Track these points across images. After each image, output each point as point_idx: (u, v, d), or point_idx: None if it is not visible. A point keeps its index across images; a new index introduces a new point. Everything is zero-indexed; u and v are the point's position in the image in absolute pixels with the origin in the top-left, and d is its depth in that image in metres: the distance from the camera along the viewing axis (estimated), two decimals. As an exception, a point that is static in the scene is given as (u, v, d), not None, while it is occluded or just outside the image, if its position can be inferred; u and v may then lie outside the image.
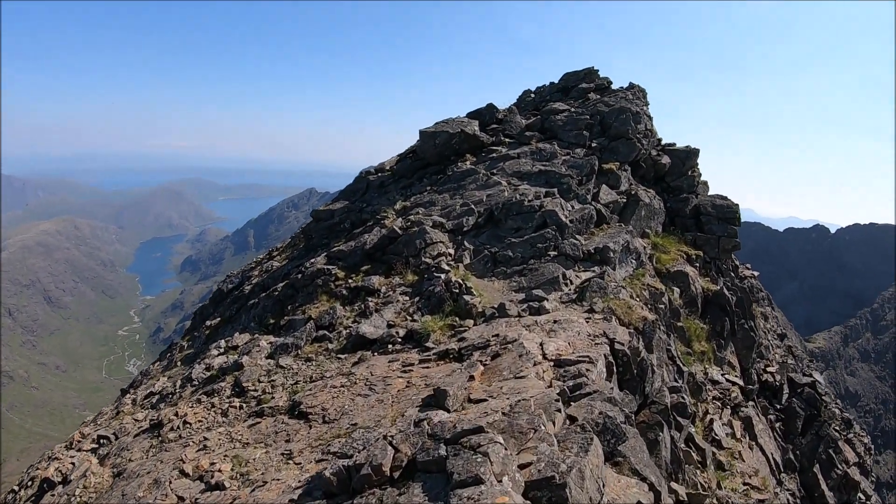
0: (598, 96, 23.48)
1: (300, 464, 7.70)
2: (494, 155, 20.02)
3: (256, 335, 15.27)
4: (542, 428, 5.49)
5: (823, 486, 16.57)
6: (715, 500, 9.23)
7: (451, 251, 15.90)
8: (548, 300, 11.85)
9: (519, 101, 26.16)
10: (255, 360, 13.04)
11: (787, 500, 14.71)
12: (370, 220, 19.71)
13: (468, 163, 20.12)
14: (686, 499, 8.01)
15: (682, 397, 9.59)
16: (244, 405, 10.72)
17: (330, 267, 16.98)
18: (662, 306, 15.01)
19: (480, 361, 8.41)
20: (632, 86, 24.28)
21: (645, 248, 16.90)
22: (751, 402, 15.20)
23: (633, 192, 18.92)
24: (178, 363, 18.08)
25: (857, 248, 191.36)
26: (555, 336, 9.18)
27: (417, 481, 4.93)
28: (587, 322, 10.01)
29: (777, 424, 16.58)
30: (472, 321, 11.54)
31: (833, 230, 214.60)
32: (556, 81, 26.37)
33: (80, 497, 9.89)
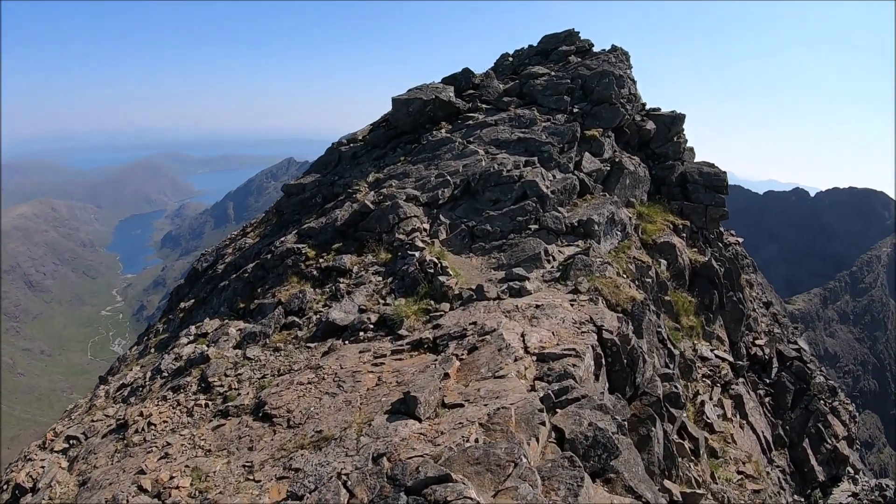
0: (580, 59, 22.33)
1: (259, 481, 7.01)
2: (471, 122, 18.94)
3: (226, 321, 14.61)
4: (524, 461, 4.62)
5: (813, 461, 16.24)
6: (710, 497, 8.63)
7: (426, 226, 14.97)
8: (529, 280, 11.01)
9: (496, 66, 24.92)
10: (222, 352, 12.40)
11: (778, 477, 14.29)
12: (342, 195, 18.70)
13: (443, 131, 19.04)
14: (680, 498, 7.34)
15: (675, 386, 8.89)
16: (210, 403, 10.17)
17: (300, 246, 16.12)
18: (649, 280, 14.27)
19: (456, 356, 7.60)
20: (614, 48, 23.14)
21: (630, 218, 16.07)
22: (741, 379, 14.64)
23: (617, 160, 17.99)
24: (152, 349, 17.48)
25: (836, 212, 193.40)
26: (538, 324, 8.36)
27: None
28: (572, 305, 9.20)
29: (766, 399, 16.11)
30: (448, 304, 10.68)
31: (813, 193, 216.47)
32: (535, 44, 25.12)
33: (46, 508, 9.38)
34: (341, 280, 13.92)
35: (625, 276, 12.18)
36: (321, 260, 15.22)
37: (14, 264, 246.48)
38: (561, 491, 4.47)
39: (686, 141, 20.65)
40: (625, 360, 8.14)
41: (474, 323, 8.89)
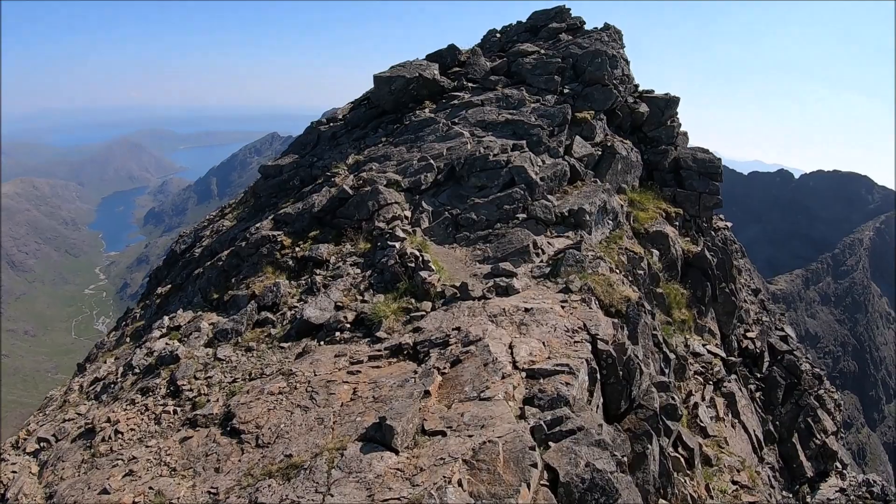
0: (571, 37, 21.35)
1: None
2: (456, 102, 17.98)
3: (200, 313, 14.01)
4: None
5: (802, 457, 15.89)
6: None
7: (408, 213, 14.15)
8: (517, 276, 10.27)
9: (483, 42, 23.83)
10: (192, 351, 11.82)
11: (768, 476, 13.89)
12: (321, 178, 17.79)
13: (427, 110, 18.09)
14: (678, 522, 6.76)
15: (672, 397, 8.25)
16: (178, 409, 9.68)
17: (276, 233, 15.35)
18: (642, 272, 13.62)
19: (438, 369, 6.89)
20: (607, 26, 22.17)
21: (622, 206, 15.35)
22: (733, 376, 14.11)
23: (608, 144, 17.19)
24: (128, 338, 16.97)
25: (820, 194, 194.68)
26: (527, 332, 7.65)
27: None
28: (563, 308, 8.49)
29: (757, 394, 15.66)
30: (429, 303, 9.91)
31: (797, 175, 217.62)
32: (524, 20, 24.07)
33: (12, 523, 9.10)
34: (318, 272, 13.19)
35: (617, 270, 11.49)
36: (297, 249, 14.48)
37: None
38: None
39: (680, 125, 19.89)
40: (620, 373, 7.48)
41: (458, 328, 8.17)
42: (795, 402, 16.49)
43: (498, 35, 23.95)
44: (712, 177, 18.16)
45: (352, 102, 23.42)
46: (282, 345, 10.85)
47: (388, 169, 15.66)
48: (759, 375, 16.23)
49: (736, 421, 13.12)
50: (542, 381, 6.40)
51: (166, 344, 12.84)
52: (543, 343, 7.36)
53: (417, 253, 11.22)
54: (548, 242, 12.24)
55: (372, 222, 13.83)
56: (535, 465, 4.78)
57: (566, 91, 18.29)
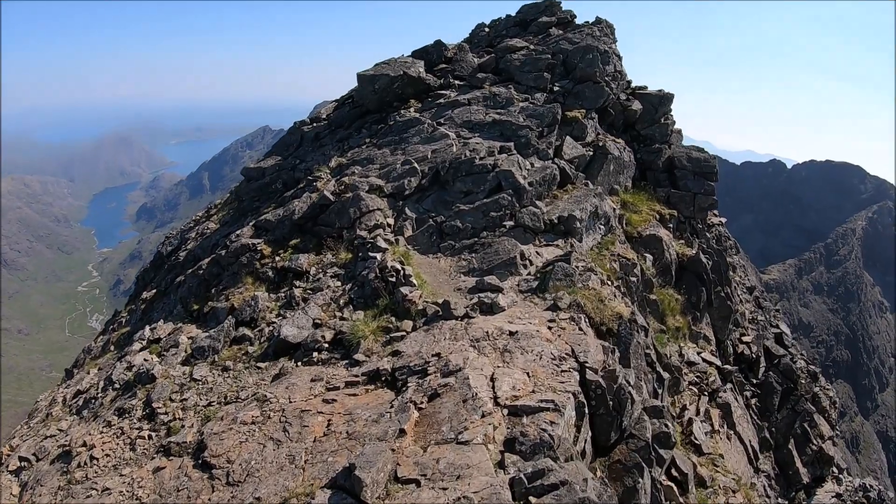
0: (561, 32, 20.73)
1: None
2: (442, 101, 17.36)
3: (180, 325, 13.78)
4: None
5: (798, 463, 15.50)
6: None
7: (391, 221, 13.60)
8: (503, 291, 9.72)
9: (471, 37, 23.19)
10: (168, 370, 11.62)
11: (763, 486, 13.50)
12: (303, 181, 17.23)
13: (412, 110, 17.46)
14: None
15: (665, 425, 7.73)
16: (153, 434, 9.60)
17: (255, 241, 14.94)
18: (635, 279, 13.12)
19: (414, 403, 6.39)
20: (598, 20, 21.56)
21: (615, 209, 14.80)
22: (728, 385, 13.65)
23: (600, 144, 16.63)
24: (112, 346, 16.83)
25: (812, 184, 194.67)
26: (510, 361, 7.13)
27: None
28: (551, 330, 7.96)
29: (753, 401, 15.23)
30: (410, 322, 9.37)
31: (790, 165, 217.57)
32: (514, 14, 23.41)
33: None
34: (297, 283, 12.72)
35: (609, 282, 10.95)
36: (277, 258, 14.03)
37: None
38: None
39: (674, 122, 19.34)
40: (611, 403, 6.97)
41: (438, 355, 7.66)
42: (792, 407, 16.09)
43: (486, 30, 23.32)
44: (707, 176, 17.63)
45: (336, 101, 22.79)
46: (258, 365, 10.53)
47: (371, 173, 15.08)
48: (754, 381, 15.79)
49: (732, 433, 12.69)
50: (524, 420, 5.90)
51: (144, 360, 12.64)
52: (528, 374, 6.84)
53: (399, 266, 10.65)
54: (536, 252, 11.69)
55: (354, 230, 13.29)
56: (512, 534, 4.28)
57: (556, 89, 17.69)
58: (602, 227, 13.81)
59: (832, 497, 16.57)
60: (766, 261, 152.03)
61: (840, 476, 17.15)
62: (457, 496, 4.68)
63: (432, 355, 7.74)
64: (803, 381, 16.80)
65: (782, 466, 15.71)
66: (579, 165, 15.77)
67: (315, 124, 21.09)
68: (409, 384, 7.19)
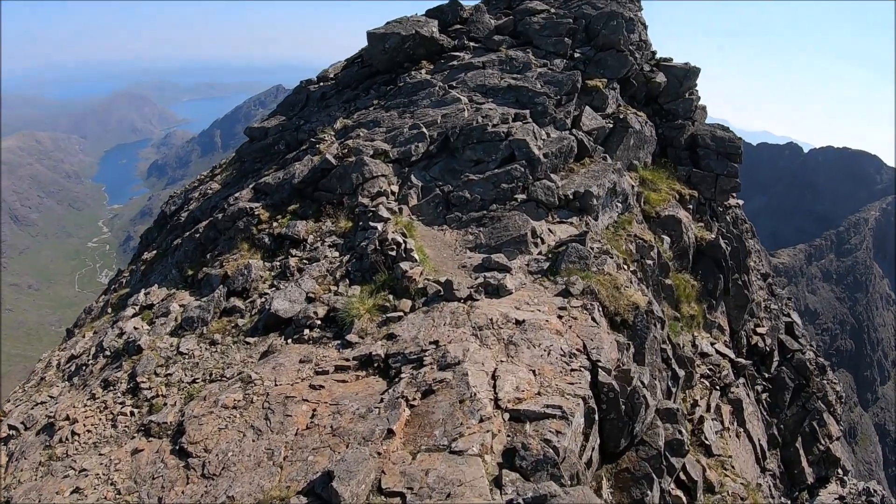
0: (585, -5, 19.51)
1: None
2: (455, 63, 16.35)
3: (173, 291, 13.46)
4: None
5: (804, 462, 14.93)
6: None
7: (395, 188, 12.83)
8: (511, 272, 8.98)
9: (489, -3, 21.96)
10: (156, 341, 11.30)
11: (769, 486, 12.94)
12: (306, 143, 16.43)
13: (423, 71, 16.49)
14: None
15: (679, 431, 7.03)
16: (135, 410, 9.41)
17: (254, 206, 14.32)
18: (651, 262, 12.34)
19: (406, 399, 5.75)
20: (624, -15, 20.29)
21: (633, 186, 13.94)
22: (741, 379, 12.95)
23: (621, 116, 15.67)
24: (110, 309, 16.55)
25: (828, 170, 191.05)
26: (515, 356, 6.44)
27: None
28: (561, 320, 7.23)
29: (763, 395, 14.58)
30: (409, 301, 8.66)
31: (806, 150, 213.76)
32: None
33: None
34: (294, 252, 12.11)
35: (625, 266, 10.17)
36: (275, 224, 13.39)
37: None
38: None
39: (699, 98, 18.25)
40: (623, 407, 6.28)
41: (436, 343, 6.99)
42: (802, 405, 15.46)
43: (506, -11, 22.06)
44: (731, 158, 16.64)
45: (346, 60, 21.76)
46: (247, 340, 10.04)
47: (377, 136, 14.24)
48: (766, 376, 15.11)
49: (741, 430, 12.06)
50: (527, 427, 5.23)
51: (135, 328, 12.35)
52: (534, 372, 6.15)
53: (400, 239, 9.89)
54: (548, 230, 10.89)
55: (355, 197, 12.55)
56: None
57: (577, 55, 16.63)
58: (619, 204, 12.98)
59: (835, 499, 16.07)
60: (777, 244, 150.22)
61: (844, 478, 16.61)
62: (445, 515, 4.04)
63: (430, 343, 7.09)
64: (815, 379, 16.11)
65: (787, 465, 15.17)
66: (598, 138, 14.86)
67: (322, 84, 20.15)
68: (402, 374, 6.58)
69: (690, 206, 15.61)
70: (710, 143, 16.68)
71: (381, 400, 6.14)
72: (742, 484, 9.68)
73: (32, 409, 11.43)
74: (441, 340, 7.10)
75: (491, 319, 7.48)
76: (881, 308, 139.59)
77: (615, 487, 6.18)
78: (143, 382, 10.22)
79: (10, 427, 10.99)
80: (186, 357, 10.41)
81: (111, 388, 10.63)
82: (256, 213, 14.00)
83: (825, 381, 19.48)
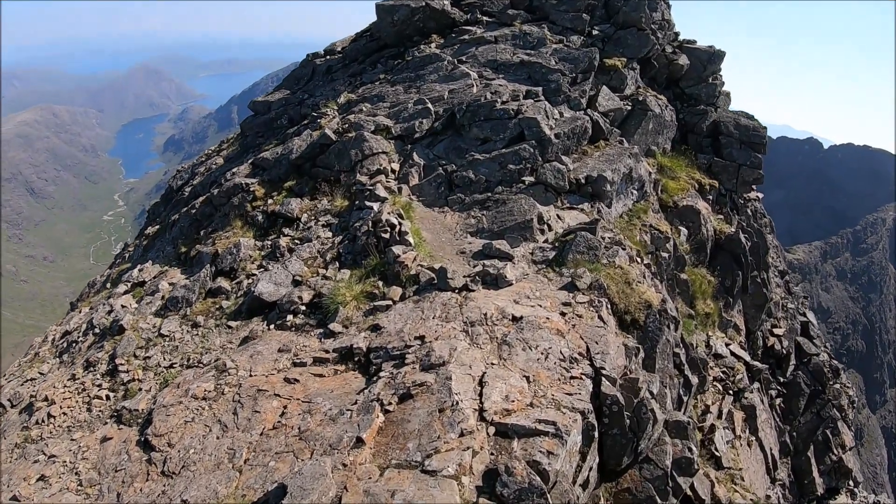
0: (606, -30, 18.47)
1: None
2: (466, 37, 15.49)
3: (166, 268, 13.22)
4: None
5: (815, 473, 14.17)
6: None
7: (396, 166, 12.10)
8: (513, 260, 8.25)
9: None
10: (138, 321, 10.98)
11: (778, 497, 12.23)
12: (308, 118, 15.74)
13: (433, 45, 15.66)
14: None
15: (689, 448, 6.27)
16: (111, 395, 9.23)
17: (249, 181, 13.80)
18: (666, 255, 11.54)
19: (381, 403, 5.07)
20: (649, -39, 19.20)
21: (650, 173, 13.07)
22: (755, 384, 12.15)
23: (640, 98, 14.75)
24: (109, 283, 16.24)
25: (847, 168, 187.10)
26: (508, 358, 5.75)
27: None
28: (564, 317, 6.54)
29: (777, 401, 13.80)
30: (399, 289, 7.95)
31: (826, 146, 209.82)
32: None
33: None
34: (286, 232, 11.50)
35: (638, 259, 9.38)
36: (270, 201, 12.86)
37: (16, 172, 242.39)
38: None
39: (723, 84, 17.23)
40: (628, 422, 5.55)
41: (422, 338, 6.32)
42: (817, 412, 14.69)
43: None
44: (755, 147, 15.67)
45: (356, 34, 20.95)
46: (229, 324, 9.54)
47: (380, 112, 13.49)
48: (781, 380, 14.31)
49: (753, 438, 11.31)
50: (514, 444, 4.54)
51: (122, 306, 12.10)
52: (528, 378, 5.43)
53: (395, 221, 9.16)
54: (556, 216, 10.09)
55: (353, 174, 11.85)
56: None
57: (595, 32, 15.71)
58: (635, 192, 12.15)
59: (844, 511, 15.36)
60: (793, 239, 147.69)
61: (855, 490, 15.85)
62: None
63: (415, 338, 6.43)
64: (831, 384, 15.29)
65: (798, 474, 14.42)
66: (615, 120, 13.98)
67: (329, 57, 19.38)
68: (382, 372, 5.97)
69: (710, 197, 14.72)
70: (734, 132, 15.72)
71: (356, 402, 5.51)
72: (752, 500, 8.96)
73: (21, 385, 11.22)
74: (427, 336, 6.42)
75: (485, 314, 6.76)
76: (894, 310, 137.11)
77: (614, 508, 5.52)
78: (121, 365, 9.96)
79: (-1, 404, 10.96)
80: (167, 340, 10.04)
81: (91, 368, 10.41)
82: (252, 189, 13.44)
83: (839, 385, 18.69)
